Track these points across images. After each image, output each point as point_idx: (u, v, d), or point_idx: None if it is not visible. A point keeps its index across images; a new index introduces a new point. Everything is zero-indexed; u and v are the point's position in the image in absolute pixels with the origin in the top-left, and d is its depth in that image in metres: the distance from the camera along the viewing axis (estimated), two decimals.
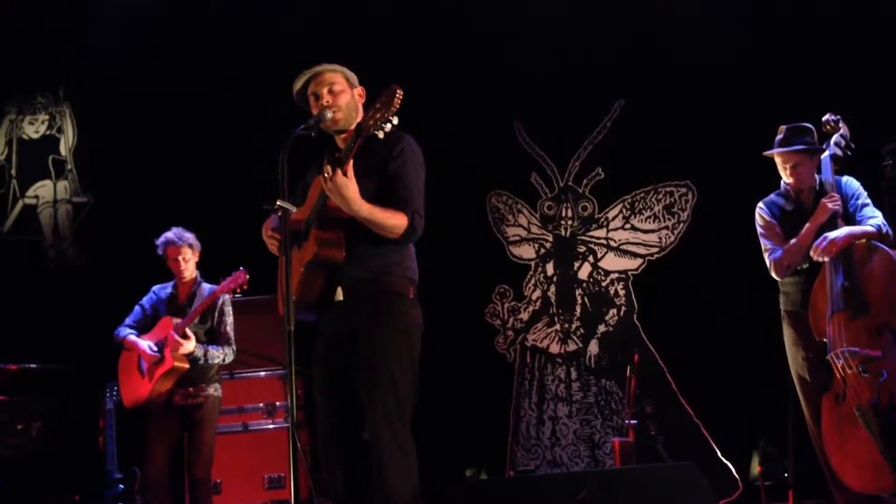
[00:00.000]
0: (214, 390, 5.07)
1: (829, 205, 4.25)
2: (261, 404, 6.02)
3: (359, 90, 3.49)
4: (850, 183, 4.41)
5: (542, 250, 6.62)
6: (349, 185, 3.13)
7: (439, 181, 4.06)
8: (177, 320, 4.94)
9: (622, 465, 5.35)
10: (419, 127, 3.66)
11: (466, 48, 6.55)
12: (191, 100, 6.89)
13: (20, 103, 7.60)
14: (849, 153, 4.43)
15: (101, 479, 5.55)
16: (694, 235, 6.29)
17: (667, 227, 6.36)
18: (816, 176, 4.42)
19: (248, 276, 4.82)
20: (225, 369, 5.41)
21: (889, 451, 3.85)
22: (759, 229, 4.51)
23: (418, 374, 3.33)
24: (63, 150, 7.52)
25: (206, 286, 5.12)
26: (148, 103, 7.00)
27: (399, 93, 3.05)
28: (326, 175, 3.12)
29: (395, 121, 3.09)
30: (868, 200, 4.36)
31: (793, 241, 4.33)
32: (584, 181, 6.57)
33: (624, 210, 6.46)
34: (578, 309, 6.48)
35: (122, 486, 5.49)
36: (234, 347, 5.13)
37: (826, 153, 4.41)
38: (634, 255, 6.42)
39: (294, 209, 3.21)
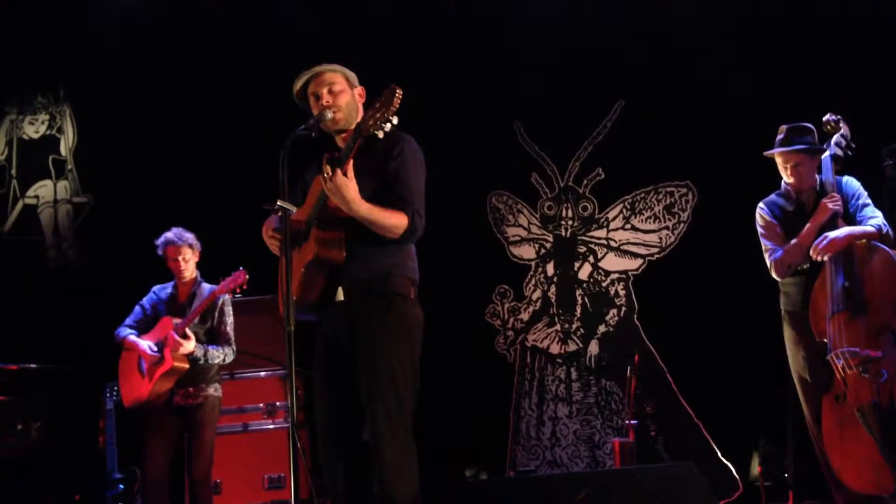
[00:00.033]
0: (214, 390, 5.07)
1: (830, 205, 4.25)
2: (261, 404, 6.02)
3: (359, 90, 3.49)
4: (851, 183, 4.41)
5: (543, 250, 6.62)
6: (349, 185, 3.13)
7: (439, 181, 4.07)
8: (177, 320, 4.94)
9: (622, 466, 5.35)
10: (419, 127, 3.65)
11: (466, 48, 6.54)
12: (190, 100, 6.89)
13: (20, 103, 7.59)
14: (849, 153, 4.43)
15: (101, 479, 5.55)
16: (694, 235, 6.28)
17: (667, 228, 6.36)
18: (817, 176, 4.42)
19: (247, 276, 4.81)
20: (225, 369, 5.41)
21: (889, 452, 3.85)
22: (759, 229, 4.51)
23: (419, 374, 3.33)
24: (63, 150, 7.52)
25: (206, 286, 5.12)
26: (148, 103, 7.01)
27: (399, 92, 3.05)
28: (326, 175, 3.12)
29: (395, 120, 3.09)
30: (869, 200, 4.35)
31: (793, 241, 4.32)
32: (585, 181, 6.57)
33: (624, 210, 6.46)
34: (578, 309, 6.48)
35: (122, 486, 5.49)
36: (234, 347, 5.13)
37: (827, 153, 4.40)
38: (635, 255, 6.42)
39: (294, 209, 3.21)
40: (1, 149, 7.56)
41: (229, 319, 5.14)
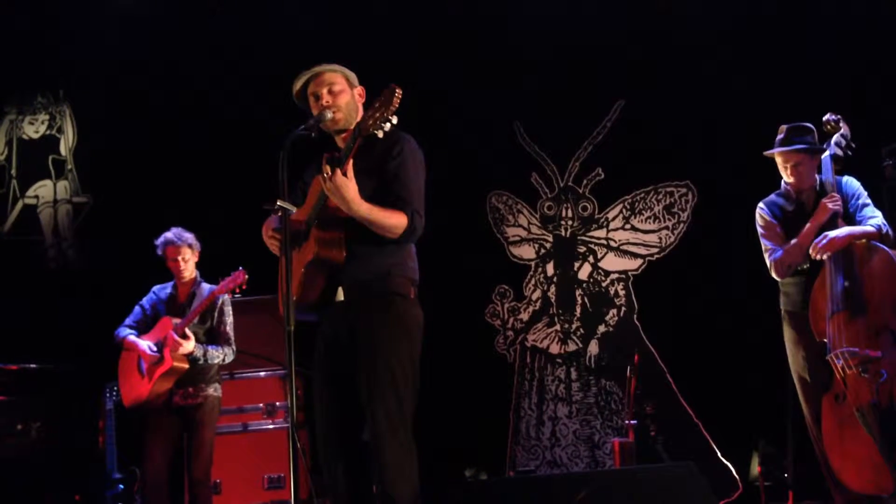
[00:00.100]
0: (214, 390, 5.07)
1: (830, 205, 4.25)
2: (261, 404, 6.02)
3: (359, 90, 3.49)
4: (851, 183, 4.41)
5: (542, 250, 6.62)
6: (349, 185, 3.13)
7: (439, 181, 4.07)
8: (176, 320, 4.94)
9: (622, 466, 5.35)
10: (419, 127, 3.65)
11: (466, 48, 6.54)
12: (190, 100, 6.89)
13: (20, 103, 7.59)
14: (849, 153, 4.43)
15: (100, 479, 5.55)
16: (694, 235, 6.28)
17: (667, 228, 6.36)
18: (817, 176, 4.42)
19: (247, 276, 4.81)
20: (225, 369, 5.41)
21: (888, 452, 3.85)
22: (759, 229, 4.51)
23: (419, 374, 3.33)
24: (63, 150, 7.52)
25: (205, 286, 5.12)
26: (148, 103, 7.00)
27: (398, 92, 3.05)
28: (326, 175, 3.12)
29: (395, 120, 3.09)
30: (868, 200, 4.35)
31: (793, 241, 4.32)
32: (584, 181, 6.57)
33: (624, 210, 6.46)
34: (578, 309, 6.48)
35: (121, 486, 5.48)
36: (234, 347, 5.13)
37: (826, 153, 4.40)
38: (634, 255, 6.42)
39: (294, 209, 3.21)
40: (1, 149, 7.56)
41: (229, 319, 5.14)
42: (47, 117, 7.55)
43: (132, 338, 5.06)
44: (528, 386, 6.50)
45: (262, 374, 6.08)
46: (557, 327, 6.49)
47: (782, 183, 4.51)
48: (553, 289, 6.56)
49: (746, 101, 5.91)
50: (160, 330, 5.00)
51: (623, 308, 6.41)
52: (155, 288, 5.28)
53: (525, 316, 6.58)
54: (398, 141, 3.36)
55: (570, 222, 6.57)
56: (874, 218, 4.24)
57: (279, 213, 3.13)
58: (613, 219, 6.48)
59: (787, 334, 4.48)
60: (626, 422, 5.64)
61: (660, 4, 6.27)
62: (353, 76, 3.48)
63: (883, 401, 3.90)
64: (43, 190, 7.49)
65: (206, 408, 5.02)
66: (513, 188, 6.69)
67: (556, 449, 6.36)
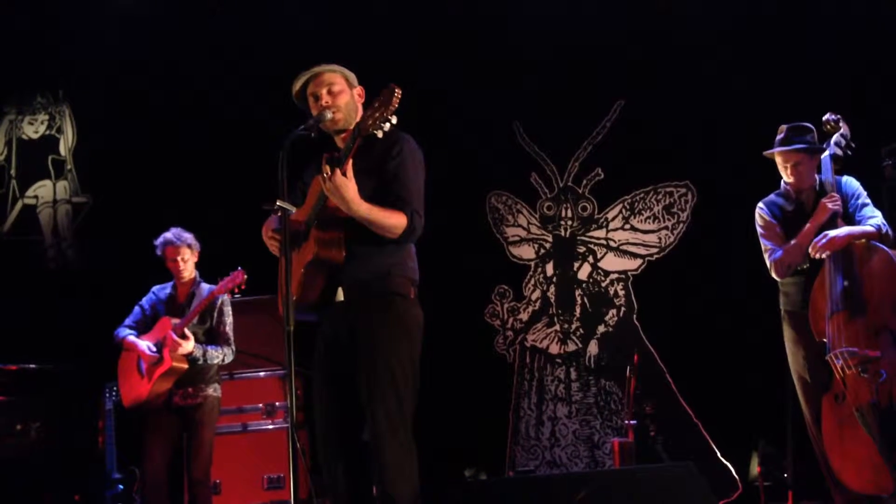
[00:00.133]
0: (214, 391, 5.07)
1: (829, 205, 4.25)
2: (260, 404, 6.02)
3: (358, 90, 3.49)
4: (850, 183, 4.41)
5: (542, 250, 6.62)
6: (348, 185, 3.13)
7: (439, 181, 4.06)
8: (175, 320, 4.94)
9: (621, 466, 5.35)
10: (419, 127, 3.65)
11: (466, 48, 6.54)
12: (190, 100, 6.89)
13: (20, 103, 7.59)
14: (849, 153, 4.43)
15: (100, 479, 5.55)
16: (693, 235, 6.28)
17: (666, 228, 6.36)
18: (817, 176, 4.42)
19: (246, 276, 4.81)
20: (224, 369, 5.41)
21: (888, 452, 3.85)
22: (759, 229, 4.51)
23: (419, 374, 3.33)
24: (63, 150, 7.52)
25: (205, 286, 5.12)
26: (148, 103, 7.01)
27: (398, 92, 3.05)
28: (325, 175, 3.12)
29: (394, 120, 3.09)
30: (868, 200, 4.35)
31: (793, 241, 4.32)
32: (584, 181, 6.56)
33: (624, 210, 6.46)
34: (578, 309, 6.48)
35: (121, 486, 5.48)
36: (234, 347, 5.13)
37: (826, 153, 4.40)
38: (634, 255, 6.42)
39: (294, 209, 3.21)
40: (0, 149, 7.56)
41: (228, 319, 5.14)
42: (47, 117, 7.55)
43: (132, 338, 5.06)
44: (528, 386, 6.50)
45: (262, 374, 6.08)
46: (557, 327, 6.49)
47: (782, 183, 4.51)
48: (553, 289, 6.56)
49: (746, 101, 5.90)
50: (159, 330, 5.00)
51: (623, 308, 6.41)
52: (154, 288, 5.28)
53: (525, 316, 6.58)
54: (398, 141, 3.36)
55: (569, 222, 6.57)
56: (874, 218, 4.24)
57: (279, 214, 3.13)
58: (613, 219, 6.48)
59: (787, 334, 4.49)
60: (626, 422, 5.64)
61: (660, 4, 6.27)
62: (352, 76, 3.48)
63: (882, 401, 3.91)
64: (42, 190, 7.50)
65: (205, 408, 5.01)
66: (512, 188, 6.69)
67: (556, 449, 6.36)
